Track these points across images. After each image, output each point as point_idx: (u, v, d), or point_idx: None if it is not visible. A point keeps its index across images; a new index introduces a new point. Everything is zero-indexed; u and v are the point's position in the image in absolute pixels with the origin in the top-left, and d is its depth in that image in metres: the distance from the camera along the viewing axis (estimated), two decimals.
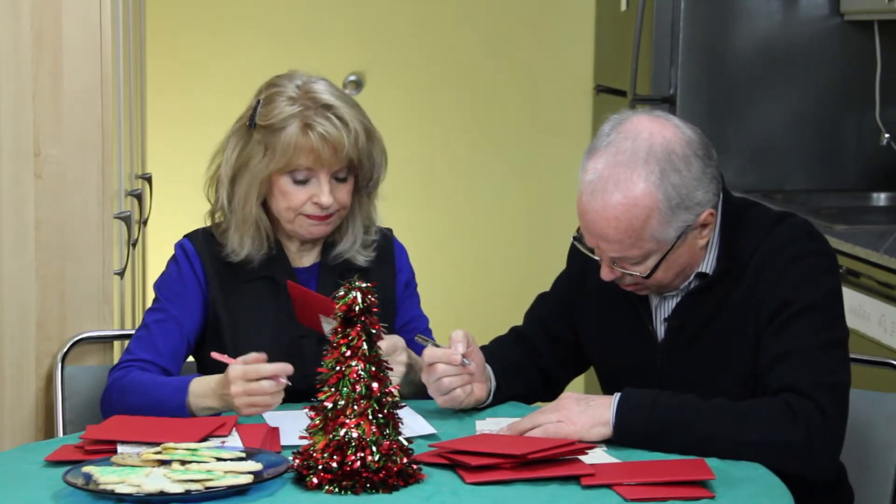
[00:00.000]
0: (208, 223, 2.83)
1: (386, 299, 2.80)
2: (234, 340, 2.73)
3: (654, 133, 2.44)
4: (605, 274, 2.51)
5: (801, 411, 2.35)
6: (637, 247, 2.44)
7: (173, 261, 2.80)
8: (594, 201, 2.43)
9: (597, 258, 2.52)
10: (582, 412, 2.41)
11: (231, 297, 2.75)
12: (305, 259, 2.81)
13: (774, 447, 2.34)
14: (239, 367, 2.49)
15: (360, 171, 2.75)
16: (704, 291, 2.54)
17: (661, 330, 2.59)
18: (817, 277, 2.49)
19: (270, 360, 2.52)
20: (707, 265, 2.54)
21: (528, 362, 2.73)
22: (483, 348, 2.67)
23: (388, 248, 2.88)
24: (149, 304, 2.82)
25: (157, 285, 2.81)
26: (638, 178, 2.41)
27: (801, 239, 2.53)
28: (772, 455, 2.34)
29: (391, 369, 2.29)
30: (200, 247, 2.78)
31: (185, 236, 2.81)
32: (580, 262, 2.68)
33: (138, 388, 2.65)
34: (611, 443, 2.39)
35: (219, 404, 2.57)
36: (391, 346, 2.59)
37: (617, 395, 2.42)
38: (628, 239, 2.43)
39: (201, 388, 2.59)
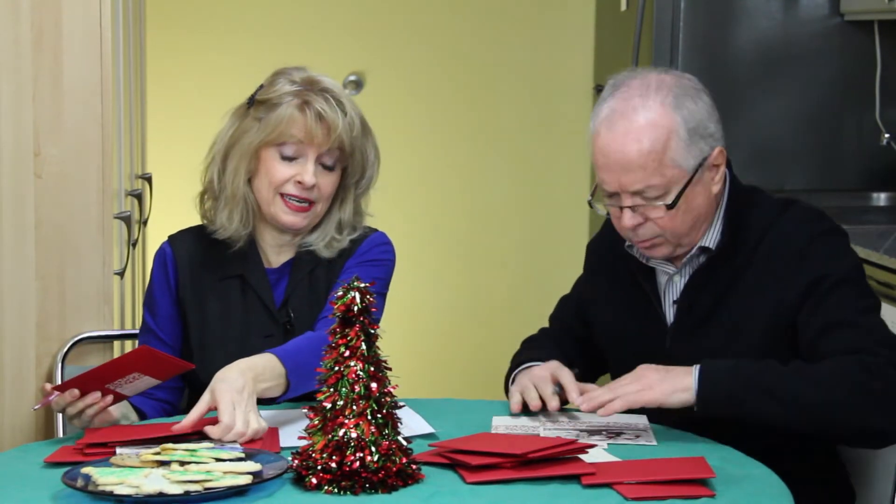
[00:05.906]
0: (198, 209, 2.84)
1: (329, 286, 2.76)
2: (199, 340, 2.75)
3: (661, 74, 2.50)
4: (627, 219, 2.50)
5: (875, 367, 2.37)
6: (660, 173, 2.45)
7: (153, 269, 2.83)
8: (615, 129, 2.45)
9: (606, 213, 2.52)
10: (662, 379, 2.41)
11: (202, 297, 2.77)
12: (281, 256, 2.80)
13: (859, 403, 2.35)
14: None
15: (349, 163, 2.74)
16: (712, 271, 2.55)
17: (670, 313, 2.60)
18: (842, 252, 2.54)
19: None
20: (710, 240, 2.55)
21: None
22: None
23: (357, 242, 2.79)
24: None
25: (145, 294, 2.85)
26: (654, 102, 2.45)
27: (816, 219, 2.57)
28: (857, 411, 2.35)
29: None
30: (178, 249, 2.80)
31: (168, 238, 2.84)
32: (595, 260, 2.70)
33: None
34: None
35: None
36: None
37: (697, 365, 2.41)
38: (652, 163, 2.44)
39: None
